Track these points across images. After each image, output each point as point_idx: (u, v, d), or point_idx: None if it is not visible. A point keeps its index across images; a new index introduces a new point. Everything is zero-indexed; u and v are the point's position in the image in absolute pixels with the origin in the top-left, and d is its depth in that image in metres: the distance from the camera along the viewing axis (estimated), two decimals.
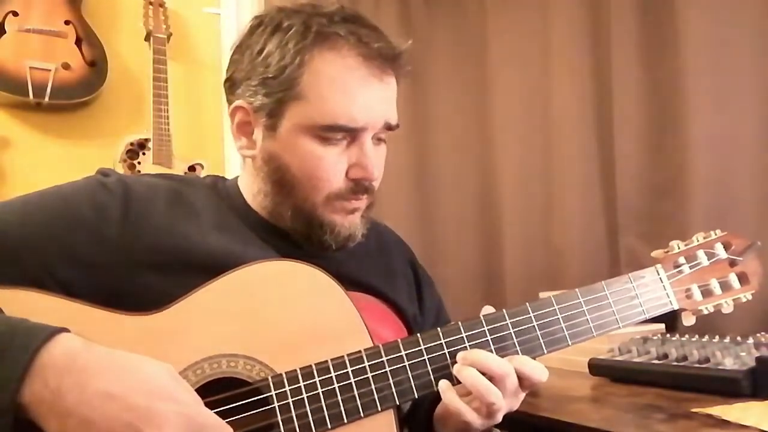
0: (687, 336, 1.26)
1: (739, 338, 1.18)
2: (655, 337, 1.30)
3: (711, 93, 1.52)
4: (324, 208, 0.83)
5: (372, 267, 0.92)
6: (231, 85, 0.86)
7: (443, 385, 0.76)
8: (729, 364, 1.09)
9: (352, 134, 0.81)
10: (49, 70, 1.92)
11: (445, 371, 0.76)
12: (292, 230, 0.86)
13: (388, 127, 0.85)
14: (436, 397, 0.83)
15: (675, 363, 1.16)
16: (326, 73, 0.79)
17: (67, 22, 1.98)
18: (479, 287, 1.96)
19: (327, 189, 0.82)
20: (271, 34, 0.82)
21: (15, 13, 1.92)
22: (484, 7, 1.97)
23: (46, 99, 1.91)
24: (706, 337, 1.23)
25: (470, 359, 0.76)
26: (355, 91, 0.80)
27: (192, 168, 2.06)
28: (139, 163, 2.00)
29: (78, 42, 1.98)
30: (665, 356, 1.19)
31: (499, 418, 0.78)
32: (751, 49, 1.49)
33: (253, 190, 0.88)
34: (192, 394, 0.64)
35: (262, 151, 0.84)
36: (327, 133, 0.80)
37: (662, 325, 1.44)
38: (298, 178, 0.82)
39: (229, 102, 0.87)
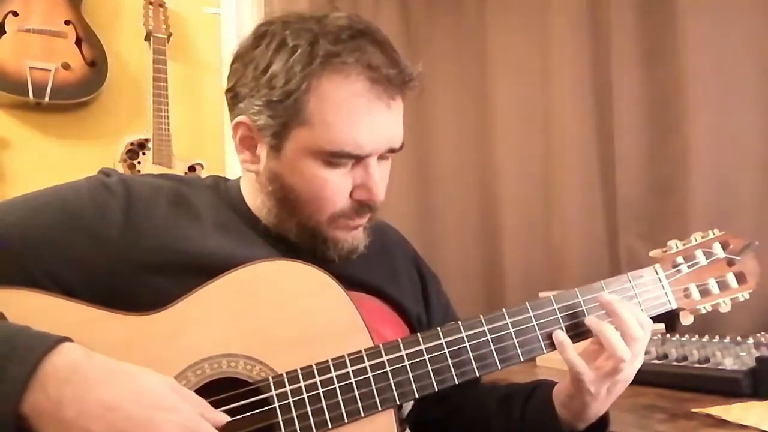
0: (687, 336, 1.26)
1: (739, 338, 1.19)
2: (655, 337, 1.30)
3: (711, 93, 1.52)
4: (328, 226, 0.82)
5: (375, 267, 0.92)
6: (233, 97, 0.84)
7: (560, 336, 0.79)
8: (729, 364, 1.09)
9: (357, 158, 0.80)
10: (49, 70, 1.92)
11: (445, 372, 0.76)
12: (296, 242, 0.85)
13: (392, 150, 0.84)
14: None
15: (675, 363, 1.17)
16: (332, 99, 0.77)
17: (67, 22, 1.98)
18: (479, 287, 1.96)
19: (331, 209, 0.81)
20: (276, 51, 0.78)
21: (15, 13, 1.92)
22: (484, 8, 1.97)
23: (46, 99, 1.91)
24: (706, 337, 1.23)
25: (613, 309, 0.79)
26: (362, 119, 0.78)
27: (192, 168, 2.06)
28: (139, 163, 2.00)
29: (78, 42, 1.99)
30: (665, 356, 1.19)
31: (618, 393, 0.80)
32: (751, 50, 1.49)
33: (256, 202, 0.87)
34: (193, 404, 0.64)
35: (266, 169, 0.83)
36: (333, 158, 0.79)
37: (662, 325, 1.44)
38: (302, 199, 0.81)
39: (232, 112, 0.85)
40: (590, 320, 0.81)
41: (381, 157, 0.83)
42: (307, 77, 0.76)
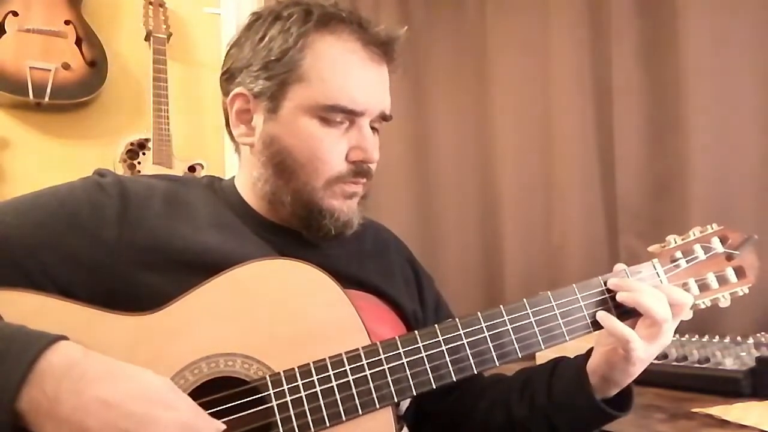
0: (687, 336, 1.26)
1: (739, 338, 1.19)
2: None
3: (711, 93, 1.52)
4: (324, 193, 0.83)
5: (370, 265, 0.92)
6: (229, 77, 0.87)
7: (601, 314, 0.80)
8: (729, 364, 1.09)
9: (351, 117, 0.83)
10: (49, 70, 1.92)
11: (443, 369, 0.76)
12: (291, 217, 0.86)
13: (383, 117, 0.87)
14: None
15: (675, 363, 1.16)
16: (328, 56, 0.82)
17: (67, 22, 1.98)
18: (479, 286, 1.96)
19: (328, 172, 0.83)
20: (272, 23, 0.84)
21: (15, 13, 1.92)
22: (484, 7, 1.97)
23: (46, 99, 1.91)
24: (706, 337, 1.23)
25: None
26: (356, 74, 0.83)
27: (192, 168, 2.06)
28: (139, 163, 2.00)
29: (78, 42, 1.99)
30: (665, 356, 1.19)
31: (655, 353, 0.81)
32: (751, 50, 1.49)
33: (251, 181, 0.88)
34: (191, 403, 0.64)
35: (262, 135, 0.85)
36: (328, 113, 0.81)
37: None
38: (299, 162, 0.82)
39: (226, 93, 0.88)
40: (622, 296, 0.81)
41: (372, 129, 0.86)
42: (302, 35, 0.82)
